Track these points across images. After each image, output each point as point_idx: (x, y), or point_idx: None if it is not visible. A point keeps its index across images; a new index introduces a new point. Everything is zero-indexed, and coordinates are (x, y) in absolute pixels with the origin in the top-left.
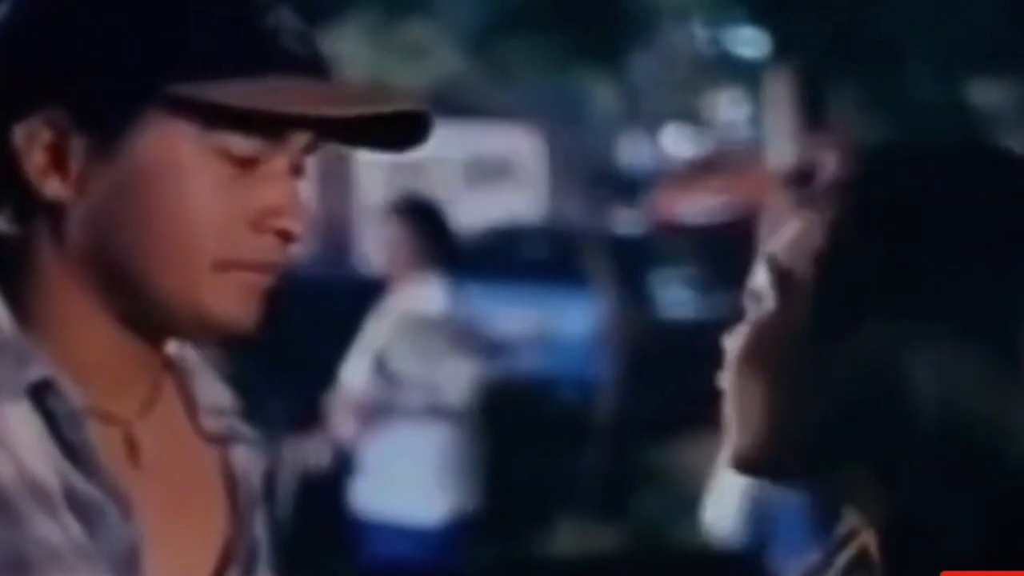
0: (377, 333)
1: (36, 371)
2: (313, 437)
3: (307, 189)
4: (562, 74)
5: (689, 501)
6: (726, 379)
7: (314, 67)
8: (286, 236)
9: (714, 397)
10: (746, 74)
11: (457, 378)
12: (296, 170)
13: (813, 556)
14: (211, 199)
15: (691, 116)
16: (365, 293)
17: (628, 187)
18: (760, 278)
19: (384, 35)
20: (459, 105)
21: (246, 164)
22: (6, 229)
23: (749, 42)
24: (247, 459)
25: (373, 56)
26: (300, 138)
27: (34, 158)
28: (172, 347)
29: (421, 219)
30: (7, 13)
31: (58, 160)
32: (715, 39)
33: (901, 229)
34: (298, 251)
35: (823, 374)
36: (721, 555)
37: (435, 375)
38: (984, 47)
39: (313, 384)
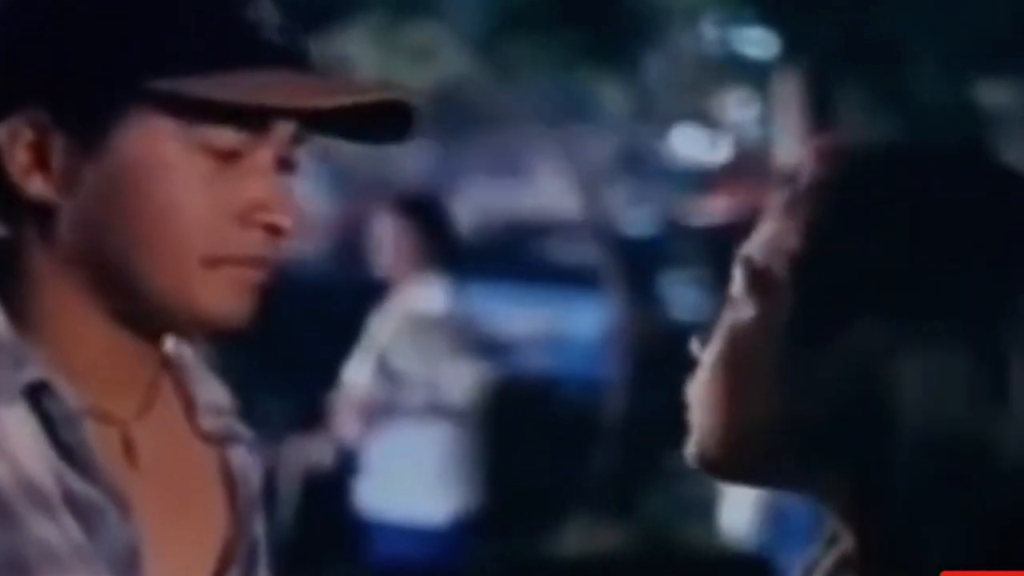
0: (380, 333)
1: (32, 372)
2: (316, 437)
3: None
4: (569, 75)
5: (697, 502)
6: (696, 383)
7: (297, 59)
8: (274, 230)
9: None
10: (755, 74)
11: (460, 377)
12: (284, 164)
13: (810, 553)
14: (196, 194)
15: (700, 116)
16: (369, 292)
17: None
18: (735, 281)
19: (390, 36)
20: (466, 106)
21: (229, 158)
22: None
23: (758, 42)
24: (246, 459)
25: (379, 57)
26: (284, 131)
27: (17, 158)
28: (169, 346)
29: (423, 216)
30: None
31: (41, 159)
32: (723, 39)
33: (882, 229)
34: (298, 247)
35: (806, 378)
36: (730, 555)
37: (437, 374)
38: (993, 48)
39: (315, 384)
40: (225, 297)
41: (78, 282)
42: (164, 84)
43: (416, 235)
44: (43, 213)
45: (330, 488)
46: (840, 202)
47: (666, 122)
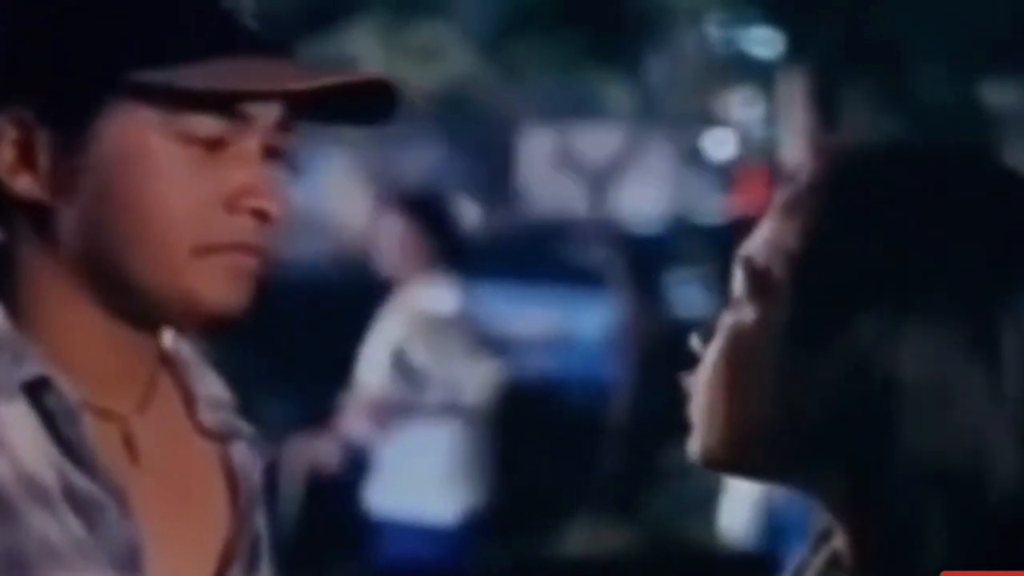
0: (391, 331)
1: (31, 368)
2: (320, 436)
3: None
4: (574, 75)
5: (702, 501)
6: (696, 380)
7: (274, 46)
8: (261, 216)
9: None
10: (759, 74)
11: (476, 377)
12: (271, 151)
13: (802, 552)
14: (182, 184)
15: (704, 116)
16: (373, 291)
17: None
18: (736, 281)
19: (395, 36)
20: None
21: (214, 146)
22: None
23: (763, 42)
24: (246, 454)
25: (385, 57)
26: (268, 117)
27: (3, 157)
28: (168, 342)
29: (429, 216)
30: None
31: (26, 157)
32: (728, 39)
33: (881, 229)
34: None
35: (805, 378)
36: (733, 555)
37: (454, 374)
38: (996, 47)
39: (319, 382)
40: (218, 285)
41: (72, 278)
42: (141, 76)
43: (422, 234)
44: (33, 210)
45: (338, 487)
46: (839, 202)
47: (671, 122)
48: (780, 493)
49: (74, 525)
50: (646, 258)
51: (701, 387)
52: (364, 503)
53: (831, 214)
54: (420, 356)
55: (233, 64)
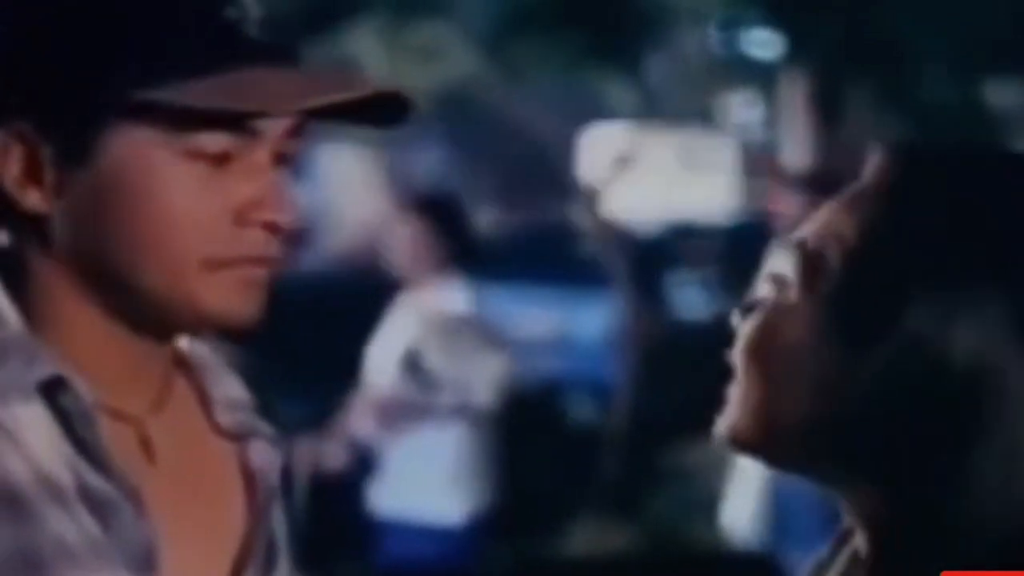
0: (401, 332)
1: (47, 369)
2: (329, 436)
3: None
4: (576, 75)
5: (704, 502)
6: (734, 355)
7: (281, 54)
8: (272, 228)
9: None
10: (760, 75)
11: (488, 379)
12: (281, 158)
13: (820, 551)
14: (190, 199)
15: (705, 117)
16: (382, 291)
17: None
18: (784, 263)
19: (397, 36)
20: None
21: (221, 160)
22: (2, 239)
23: (764, 43)
24: (263, 454)
25: (386, 57)
26: (278, 127)
27: (10, 171)
28: (183, 342)
29: (442, 217)
30: None
31: (33, 172)
32: (729, 40)
33: (938, 230)
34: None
35: (847, 379)
36: (736, 555)
37: (465, 376)
38: (997, 48)
39: (325, 383)
40: (229, 298)
41: (81, 288)
42: (143, 94)
43: (435, 236)
44: (39, 221)
45: (343, 488)
46: (900, 201)
47: (671, 122)
48: (782, 493)
49: (89, 525)
50: (647, 259)
51: (738, 365)
52: (369, 503)
53: (891, 214)
54: (432, 358)
55: (240, 78)
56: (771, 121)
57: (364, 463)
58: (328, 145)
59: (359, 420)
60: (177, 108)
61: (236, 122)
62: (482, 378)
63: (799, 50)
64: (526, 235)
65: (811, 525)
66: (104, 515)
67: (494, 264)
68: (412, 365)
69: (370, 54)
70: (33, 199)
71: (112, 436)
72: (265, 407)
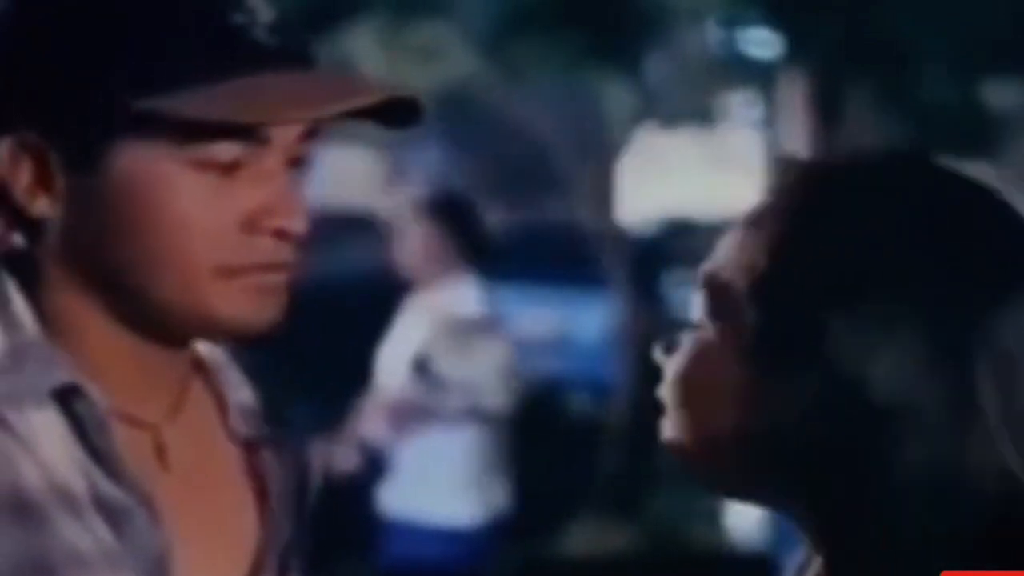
0: (412, 333)
1: (61, 375)
2: (340, 439)
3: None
4: (576, 75)
5: (705, 502)
6: (663, 394)
7: (291, 59)
8: (283, 235)
9: None
10: (759, 75)
11: (498, 381)
12: (294, 162)
13: (799, 556)
14: (200, 208)
15: (704, 117)
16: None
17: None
18: (698, 299)
19: (396, 36)
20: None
21: (230, 168)
22: (18, 242)
23: (762, 43)
24: (279, 460)
25: (385, 57)
26: (289, 133)
27: (20, 180)
28: (201, 347)
29: (455, 217)
30: None
31: (43, 179)
32: (728, 40)
33: (847, 244)
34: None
35: (768, 398)
36: (736, 555)
37: (477, 378)
38: (996, 48)
39: (336, 385)
40: (241, 305)
41: (94, 294)
42: (145, 103)
43: (447, 237)
44: (52, 230)
45: (351, 489)
46: (803, 218)
47: (671, 122)
48: None
49: (102, 532)
50: (646, 259)
51: (666, 403)
52: (373, 504)
53: (795, 230)
54: (444, 361)
55: (244, 86)
56: (770, 120)
57: (375, 465)
58: (328, 145)
59: (370, 422)
60: (182, 120)
61: (244, 130)
62: (493, 380)
63: (799, 50)
64: (526, 235)
65: None
66: (117, 522)
67: (494, 264)
68: (423, 368)
69: (369, 54)
70: (42, 206)
71: (127, 442)
72: (276, 410)
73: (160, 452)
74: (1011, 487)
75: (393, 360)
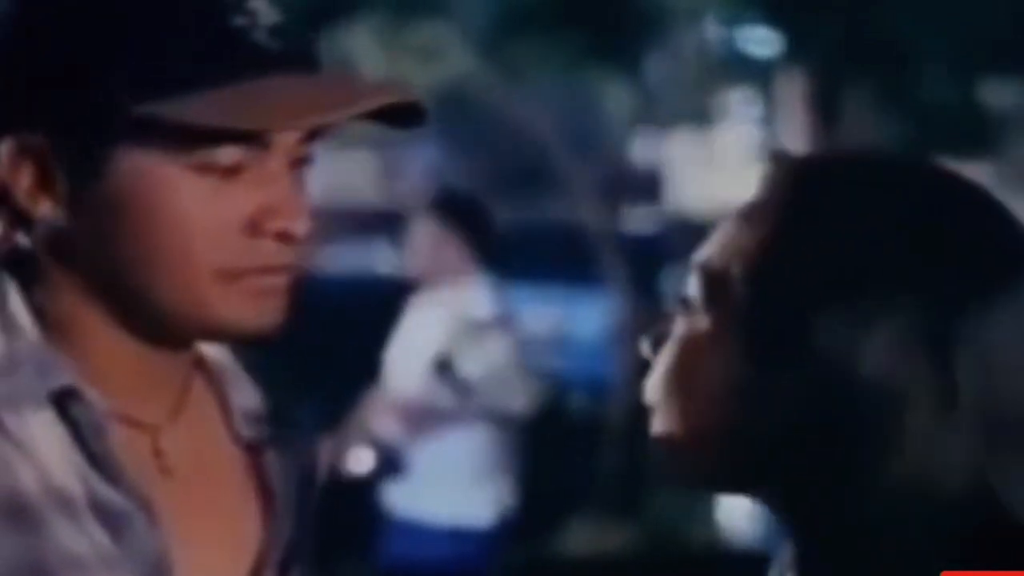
0: (426, 333)
1: (60, 378)
2: (348, 437)
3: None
4: (576, 75)
5: (704, 501)
6: (650, 389)
7: (292, 61)
8: (285, 237)
9: None
10: (758, 74)
11: (520, 382)
12: (297, 163)
13: (783, 553)
14: (201, 211)
15: (703, 116)
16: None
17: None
18: (691, 287)
19: (395, 36)
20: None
21: (231, 172)
22: (19, 244)
23: (761, 42)
24: (282, 461)
25: (385, 57)
26: (291, 136)
27: (22, 182)
28: (205, 348)
29: (465, 216)
30: None
31: (45, 182)
32: (727, 39)
33: (839, 238)
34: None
35: (759, 389)
36: (735, 554)
37: (497, 381)
38: (996, 47)
39: (342, 385)
40: (243, 308)
41: (95, 297)
42: (145, 108)
43: (458, 236)
44: (54, 232)
45: (355, 489)
46: (798, 211)
47: (670, 122)
48: None
49: (99, 536)
50: (646, 257)
51: (653, 397)
52: (380, 504)
53: (790, 223)
54: (467, 365)
55: (245, 91)
56: (769, 119)
57: (387, 465)
58: (327, 145)
59: (382, 422)
60: (180, 126)
61: (245, 135)
62: (515, 381)
63: (798, 49)
64: (525, 234)
65: None
66: (115, 526)
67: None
68: (444, 372)
69: (369, 54)
70: (44, 208)
71: (126, 445)
72: (280, 410)
73: (159, 454)
74: (986, 484)
75: (406, 360)
